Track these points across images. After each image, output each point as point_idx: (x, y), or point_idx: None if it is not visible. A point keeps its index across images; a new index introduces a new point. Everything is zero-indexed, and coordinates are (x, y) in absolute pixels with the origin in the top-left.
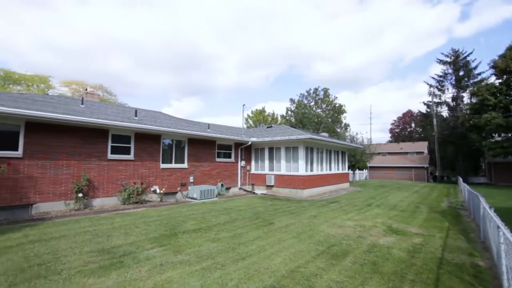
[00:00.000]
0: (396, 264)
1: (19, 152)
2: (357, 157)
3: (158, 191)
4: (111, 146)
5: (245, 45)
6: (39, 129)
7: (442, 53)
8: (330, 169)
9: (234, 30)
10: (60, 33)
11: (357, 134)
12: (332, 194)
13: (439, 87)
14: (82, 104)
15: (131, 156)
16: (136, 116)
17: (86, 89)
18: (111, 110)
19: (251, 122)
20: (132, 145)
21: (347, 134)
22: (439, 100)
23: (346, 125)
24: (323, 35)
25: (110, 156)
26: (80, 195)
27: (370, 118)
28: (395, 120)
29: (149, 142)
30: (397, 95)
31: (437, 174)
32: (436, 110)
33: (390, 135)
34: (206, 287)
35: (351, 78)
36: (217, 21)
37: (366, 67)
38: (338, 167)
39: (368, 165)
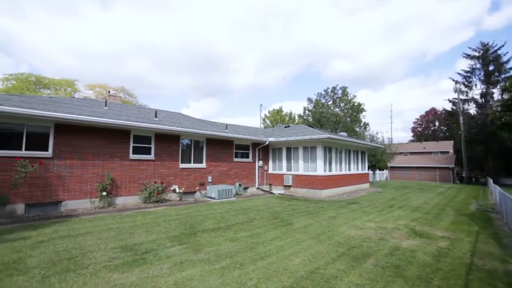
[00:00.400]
0: (421, 268)
1: (49, 152)
2: (377, 157)
3: (177, 190)
4: (133, 147)
5: (262, 45)
6: (67, 130)
7: (470, 47)
8: (349, 169)
9: (251, 30)
10: (85, 39)
11: (377, 133)
12: (351, 194)
13: (466, 83)
14: (106, 106)
15: (151, 156)
16: (156, 117)
17: (109, 92)
18: (132, 112)
19: (268, 122)
20: (152, 146)
21: (366, 133)
22: (466, 97)
23: (366, 124)
24: (342, 32)
25: (131, 156)
26: (104, 193)
27: (390, 116)
28: (417, 119)
29: (168, 142)
30: (420, 92)
31: (464, 175)
32: (463, 108)
33: (412, 134)
34: (225, 285)
35: (371, 75)
36: (234, 22)
37: (387, 64)
38: (358, 167)
39: (389, 165)
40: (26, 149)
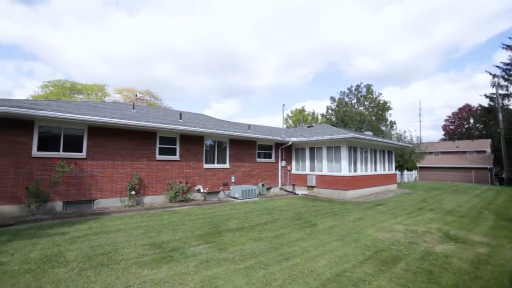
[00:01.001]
0: (457, 276)
1: (83, 154)
2: (405, 157)
3: (201, 190)
4: (159, 148)
5: (283, 44)
6: (99, 132)
7: (510, 38)
8: (375, 170)
9: (272, 30)
10: (113, 45)
11: (404, 132)
12: (378, 196)
13: (506, 76)
14: (134, 109)
15: (176, 157)
16: (180, 118)
17: (136, 95)
18: (158, 114)
19: (290, 122)
20: (177, 147)
21: (393, 132)
22: (505, 92)
23: (392, 123)
24: (366, 28)
25: (158, 157)
26: (133, 192)
27: (419, 114)
28: (449, 116)
29: (192, 143)
30: (451, 88)
31: (504, 176)
32: (502, 103)
33: (443, 132)
34: (250, 285)
35: (397, 72)
36: (255, 22)
37: (415, 59)
38: (384, 168)
39: (418, 165)
40: (63, 151)
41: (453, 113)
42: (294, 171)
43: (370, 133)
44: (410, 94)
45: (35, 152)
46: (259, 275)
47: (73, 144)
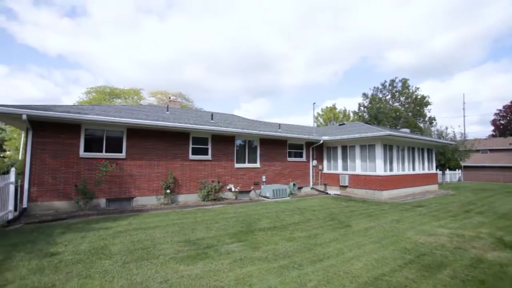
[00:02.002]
0: None
1: (123, 154)
2: (447, 155)
3: (233, 189)
4: (192, 148)
5: (312, 42)
6: (136, 134)
7: None
8: (413, 169)
9: (300, 27)
10: (147, 50)
11: (446, 128)
12: (416, 196)
13: None
14: (167, 111)
15: (208, 157)
16: (212, 119)
17: (169, 98)
18: (190, 115)
19: (321, 120)
20: (209, 147)
21: (433, 129)
22: None
23: (431, 119)
24: (401, 18)
25: (191, 157)
26: (168, 191)
27: (463, 109)
28: (500, 110)
29: (224, 143)
30: (502, 78)
31: None
32: None
33: (492, 128)
34: (284, 285)
35: (437, 64)
36: (283, 21)
37: (458, 49)
38: (423, 167)
39: (462, 164)
40: (106, 151)
41: (504, 106)
42: (325, 170)
43: (407, 130)
44: (452, 87)
45: (82, 153)
46: (293, 275)
47: (114, 145)
